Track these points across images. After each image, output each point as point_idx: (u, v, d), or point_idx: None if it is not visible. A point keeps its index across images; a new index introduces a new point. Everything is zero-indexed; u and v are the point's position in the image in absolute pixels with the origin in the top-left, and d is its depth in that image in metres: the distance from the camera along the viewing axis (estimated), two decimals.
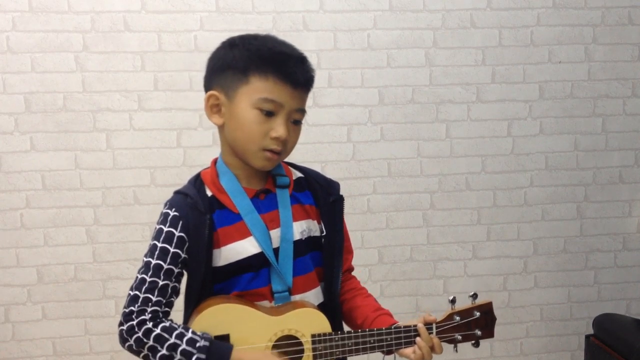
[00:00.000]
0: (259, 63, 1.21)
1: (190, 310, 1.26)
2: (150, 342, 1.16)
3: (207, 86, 1.29)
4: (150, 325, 1.17)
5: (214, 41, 2.45)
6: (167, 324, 1.18)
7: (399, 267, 2.68)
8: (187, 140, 2.51)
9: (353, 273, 1.47)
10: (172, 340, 1.16)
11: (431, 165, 2.65)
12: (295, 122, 1.26)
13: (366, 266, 2.63)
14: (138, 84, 2.46)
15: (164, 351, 1.15)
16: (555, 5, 2.64)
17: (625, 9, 2.67)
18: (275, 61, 1.22)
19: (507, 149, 2.69)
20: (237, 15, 2.48)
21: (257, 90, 1.21)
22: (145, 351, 1.17)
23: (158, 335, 1.16)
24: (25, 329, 2.51)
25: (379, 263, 2.65)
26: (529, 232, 2.75)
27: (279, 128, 1.22)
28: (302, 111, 1.27)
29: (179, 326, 1.19)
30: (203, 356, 1.15)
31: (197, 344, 1.15)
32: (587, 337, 2.52)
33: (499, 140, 2.68)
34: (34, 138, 2.44)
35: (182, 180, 2.50)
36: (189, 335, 1.17)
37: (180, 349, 1.15)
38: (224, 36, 2.68)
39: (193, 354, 1.15)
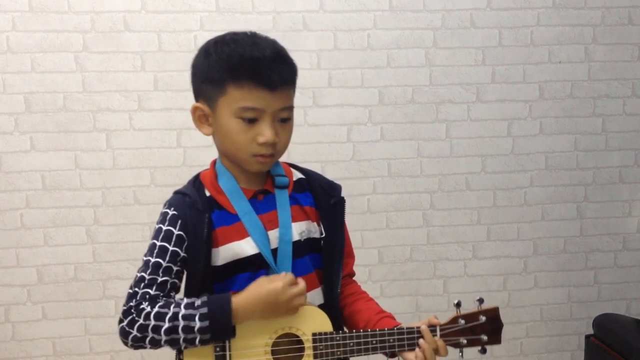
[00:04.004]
0: (233, 72, 1.19)
1: None
2: (152, 322, 1.16)
3: (195, 96, 1.29)
4: (148, 308, 1.17)
5: None
6: (162, 302, 1.19)
7: (399, 267, 2.68)
8: (187, 140, 2.51)
9: (354, 278, 1.46)
10: (171, 311, 1.16)
11: (431, 165, 2.65)
12: (283, 120, 1.24)
13: (366, 266, 2.63)
14: (138, 84, 2.46)
15: (166, 325, 1.15)
16: (555, 5, 2.64)
17: (625, 9, 2.67)
18: (248, 68, 1.18)
19: (507, 149, 2.69)
20: (237, 15, 2.48)
21: (235, 100, 1.20)
22: (150, 333, 1.16)
23: (157, 313, 1.16)
24: (25, 329, 2.51)
25: (379, 263, 2.65)
26: (529, 232, 2.75)
27: (264, 132, 1.20)
28: (289, 109, 1.25)
29: (173, 299, 1.20)
30: (205, 310, 1.15)
31: (196, 303, 1.16)
32: (587, 337, 2.52)
33: (499, 140, 2.68)
34: (34, 138, 2.44)
35: (182, 180, 2.51)
36: (185, 300, 1.18)
37: (181, 314, 1.16)
38: None
39: (195, 315, 1.15)
